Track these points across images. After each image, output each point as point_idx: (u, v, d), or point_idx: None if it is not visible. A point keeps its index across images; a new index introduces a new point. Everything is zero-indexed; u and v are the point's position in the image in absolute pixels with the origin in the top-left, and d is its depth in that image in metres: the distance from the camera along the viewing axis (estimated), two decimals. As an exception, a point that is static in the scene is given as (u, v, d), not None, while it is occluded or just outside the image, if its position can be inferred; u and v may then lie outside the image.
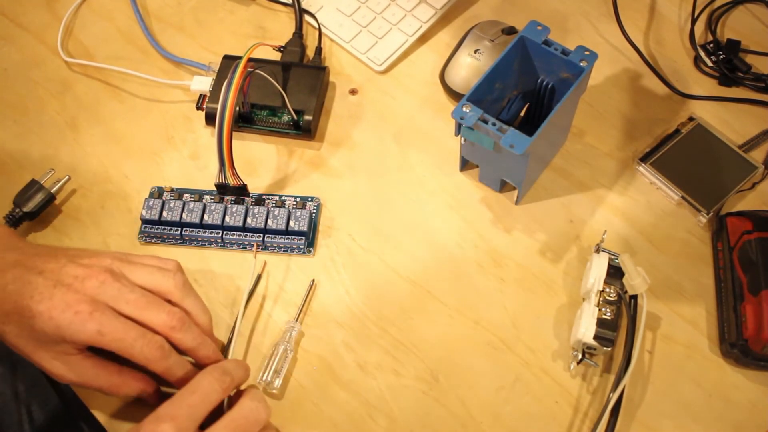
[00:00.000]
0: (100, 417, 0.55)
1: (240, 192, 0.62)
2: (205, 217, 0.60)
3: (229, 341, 0.56)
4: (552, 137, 0.62)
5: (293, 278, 0.60)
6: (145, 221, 0.61)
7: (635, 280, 0.54)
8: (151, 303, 0.50)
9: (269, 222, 0.60)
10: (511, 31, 0.66)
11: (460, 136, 0.57)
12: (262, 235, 0.60)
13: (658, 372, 0.55)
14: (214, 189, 0.63)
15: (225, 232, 0.60)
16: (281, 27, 0.72)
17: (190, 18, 0.73)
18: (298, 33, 0.70)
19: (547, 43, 0.57)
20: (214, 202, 0.62)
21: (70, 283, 0.48)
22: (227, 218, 0.60)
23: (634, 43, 0.68)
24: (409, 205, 0.63)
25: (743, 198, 0.62)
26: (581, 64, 0.56)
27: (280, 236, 0.60)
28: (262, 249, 0.61)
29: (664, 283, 0.59)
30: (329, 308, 0.59)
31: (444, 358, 0.57)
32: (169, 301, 0.51)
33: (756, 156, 0.63)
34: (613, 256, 0.56)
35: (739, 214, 0.59)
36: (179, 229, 0.61)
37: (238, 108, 0.63)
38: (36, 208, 0.61)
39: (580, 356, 0.55)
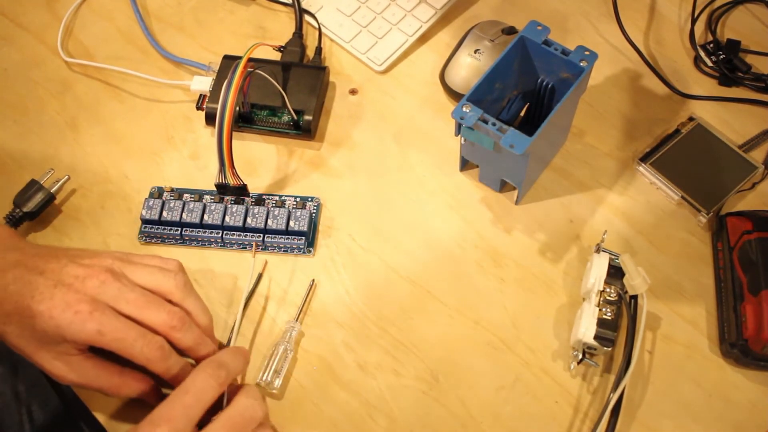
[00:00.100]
0: (101, 417, 0.55)
1: (240, 192, 0.62)
2: (205, 217, 0.60)
3: (229, 341, 0.56)
4: (552, 137, 0.62)
5: (293, 278, 0.60)
6: (145, 221, 0.61)
7: (635, 280, 0.54)
8: (152, 302, 0.50)
9: (269, 222, 0.60)
10: (511, 31, 0.66)
11: (460, 136, 0.57)
12: (262, 235, 0.60)
13: (658, 372, 0.55)
14: (214, 189, 0.63)
15: (225, 232, 0.60)
16: (281, 27, 0.72)
17: (190, 18, 0.73)
18: (298, 33, 0.70)
19: (547, 43, 0.57)
20: (214, 202, 0.62)
21: (70, 283, 0.48)
22: (227, 218, 0.60)
23: (634, 43, 0.68)
24: (409, 205, 0.63)
25: (743, 198, 0.62)
26: (581, 64, 0.56)
27: (280, 236, 0.60)
28: (262, 249, 0.61)
29: (664, 283, 0.59)
30: (329, 308, 0.59)
31: (444, 358, 0.57)
32: (170, 302, 0.51)
33: (756, 156, 0.63)
34: (613, 256, 0.56)
35: (739, 214, 0.59)
36: (179, 229, 0.61)
37: (238, 108, 0.63)
38: (36, 208, 0.61)
39: (580, 356, 0.55)
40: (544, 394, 0.55)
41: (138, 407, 0.55)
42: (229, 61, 0.66)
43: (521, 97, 0.62)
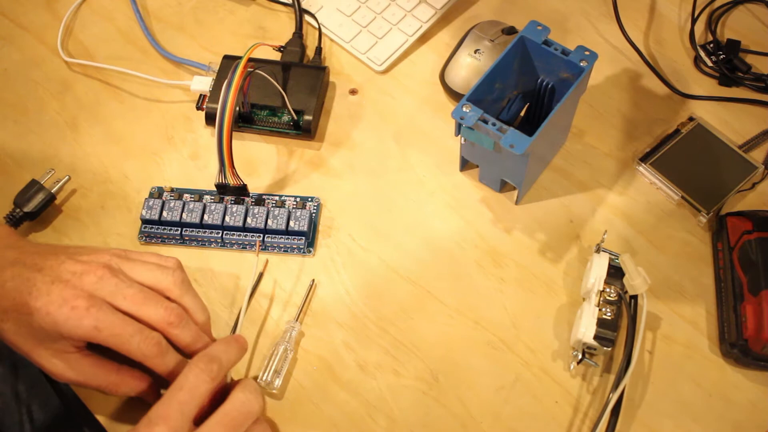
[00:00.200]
0: (101, 418, 0.55)
1: (240, 192, 0.62)
2: (205, 217, 0.60)
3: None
4: (552, 137, 0.62)
5: (293, 278, 0.60)
6: (145, 221, 0.61)
7: (636, 280, 0.54)
8: (149, 298, 0.50)
9: (269, 222, 0.60)
10: (511, 31, 0.66)
11: (460, 136, 0.57)
12: (262, 235, 0.60)
13: (658, 372, 0.55)
14: (214, 189, 0.63)
15: (225, 232, 0.60)
16: (281, 27, 0.72)
17: (190, 18, 0.73)
18: (298, 33, 0.70)
19: (547, 43, 0.57)
20: (214, 202, 0.62)
21: (68, 279, 0.48)
22: (227, 218, 0.60)
23: (634, 43, 0.68)
24: (409, 205, 0.63)
25: (743, 198, 0.62)
26: (581, 64, 0.56)
27: (280, 236, 0.60)
28: (262, 249, 0.61)
29: (665, 283, 0.59)
30: (329, 308, 0.59)
31: (444, 358, 0.57)
32: (168, 299, 0.51)
33: (756, 156, 0.63)
34: (613, 256, 0.56)
35: (739, 214, 0.59)
36: (179, 229, 0.61)
37: (238, 108, 0.63)
38: (36, 209, 0.61)
39: (580, 356, 0.55)
40: (544, 394, 0.55)
41: (138, 408, 0.55)
42: (229, 61, 0.66)
43: (521, 97, 0.62)
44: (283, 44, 0.69)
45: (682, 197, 0.61)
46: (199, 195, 0.63)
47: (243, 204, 0.61)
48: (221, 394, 0.48)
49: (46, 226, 0.62)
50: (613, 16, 0.68)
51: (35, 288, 0.48)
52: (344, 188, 0.64)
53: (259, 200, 0.62)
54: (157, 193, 0.63)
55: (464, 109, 0.54)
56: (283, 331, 0.57)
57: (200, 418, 0.46)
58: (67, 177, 0.62)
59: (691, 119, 0.64)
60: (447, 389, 0.55)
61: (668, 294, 0.58)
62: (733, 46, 0.68)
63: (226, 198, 0.63)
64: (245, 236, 0.60)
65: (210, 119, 0.65)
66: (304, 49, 0.69)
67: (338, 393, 0.55)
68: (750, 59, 0.68)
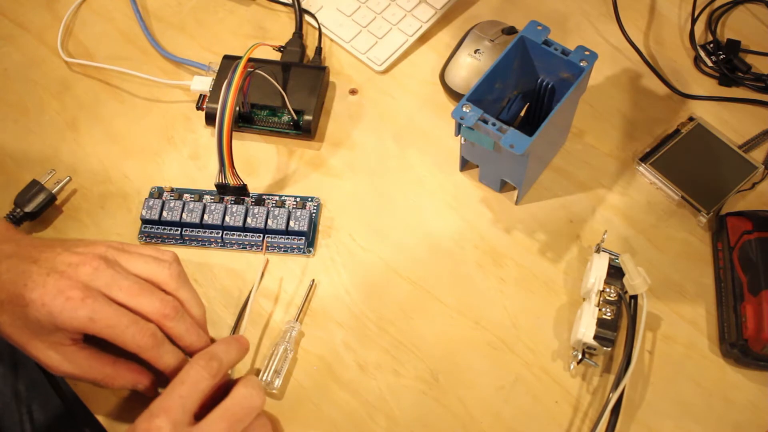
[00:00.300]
0: (101, 417, 0.55)
1: (240, 192, 0.62)
2: (205, 217, 0.60)
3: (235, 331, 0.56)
4: (552, 137, 0.62)
5: (293, 278, 0.60)
6: (145, 221, 0.61)
7: (636, 281, 0.54)
8: (145, 290, 0.50)
9: (269, 222, 0.60)
10: (511, 31, 0.66)
11: (460, 136, 0.57)
12: (262, 235, 0.60)
13: (658, 372, 0.55)
14: (214, 189, 0.63)
15: (225, 232, 0.60)
16: (281, 27, 0.72)
17: (190, 18, 0.73)
18: (298, 33, 0.70)
19: (547, 43, 0.57)
20: (214, 202, 0.62)
21: (63, 270, 0.48)
22: (227, 218, 0.60)
23: (634, 43, 0.68)
24: (409, 205, 0.63)
25: (743, 198, 0.62)
26: (581, 64, 0.56)
27: (280, 236, 0.60)
28: (262, 249, 0.61)
29: (665, 283, 0.59)
30: (329, 308, 0.59)
31: (444, 358, 0.57)
32: (164, 292, 0.51)
33: (756, 156, 0.63)
34: (613, 256, 0.56)
35: (739, 214, 0.59)
36: (179, 229, 0.61)
37: (238, 108, 0.63)
38: (37, 209, 0.61)
39: (580, 356, 0.55)
40: (544, 394, 0.55)
41: (138, 407, 0.54)
42: (229, 61, 0.66)
43: (521, 97, 0.62)
44: (283, 44, 0.69)
45: (682, 197, 0.61)
46: (199, 195, 0.63)
47: (243, 204, 0.61)
48: (223, 392, 0.48)
49: (47, 226, 0.62)
50: (613, 16, 0.68)
51: (31, 280, 0.48)
52: (344, 188, 0.64)
53: (259, 200, 0.62)
54: (157, 193, 0.63)
55: (464, 109, 0.54)
56: (283, 331, 0.57)
57: (202, 415, 0.47)
58: (68, 178, 0.62)
59: (691, 119, 0.64)
60: (447, 389, 0.55)
61: (668, 294, 0.58)
62: (733, 46, 0.68)
63: (226, 198, 0.63)
64: (245, 236, 0.60)
65: (210, 119, 0.65)
66: (304, 49, 0.69)
67: (338, 393, 0.55)
68: (750, 59, 0.68)
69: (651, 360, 0.56)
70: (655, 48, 0.69)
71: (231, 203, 0.61)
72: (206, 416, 0.46)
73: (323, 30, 0.71)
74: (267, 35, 0.71)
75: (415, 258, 0.60)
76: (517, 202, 0.62)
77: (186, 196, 0.63)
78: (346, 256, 0.61)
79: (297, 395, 0.55)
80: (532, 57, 0.58)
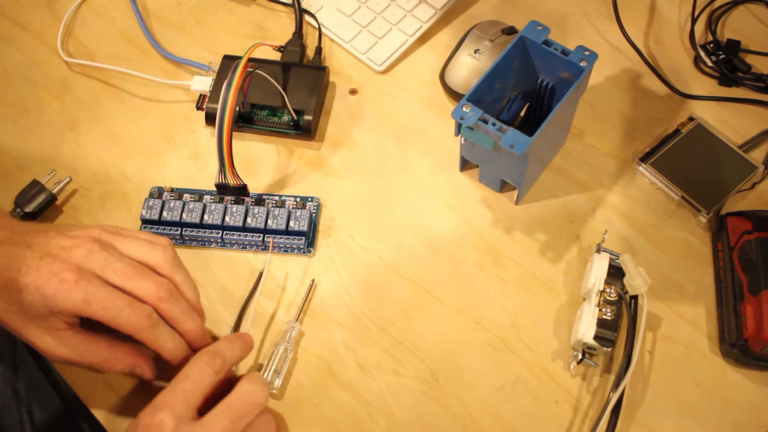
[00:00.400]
0: (101, 417, 0.55)
1: (240, 192, 0.62)
2: (205, 217, 0.60)
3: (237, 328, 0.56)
4: (552, 137, 0.62)
5: (293, 278, 0.60)
6: (145, 221, 0.61)
7: (636, 281, 0.54)
8: (139, 273, 0.49)
9: (269, 222, 0.60)
10: (511, 31, 0.66)
11: (460, 136, 0.57)
12: (262, 235, 0.60)
13: (658, 372, 0.55)
14: (214, 189, 0.63)
15: (225, 232, 0.60)
16: (281, 27, 0.72)
17: (190, 18, 0.73)
18: (298, 33, 0.70)
19: (547, 43, 0.57)
20: (214, 202, 0.62)
21: (56, 254, 0.48)
22: (227, 218, 0.60)
23: (634, 43, 0.68)
24: (409, 205, 0.63)
25: (743, 198, 0.62)
26: (581, 64, 0.56)
27: (280, 236, 0.60)
28: (262, 249, 0.61)
29: (665, 284, 0.59)
30: (329, 308, 0.59)
31: (444, 358, 0.57)
32: (159, 275, 0.51)
33: (756, 156, 0.63)
34: (613, 256, 0.56)
35: (739, 214, 0.59)
36: (179, 229, 0.61)
37: (238, 108, 0.63)
38: (37, 209, 0.61)
39: (580, 356, 0.55)
40: (544, 394, 0.55)
41: (138, 406, 0.55)
42: (229, 61, 0.67)
43: (521, 97, 0.62)
44: (283, 44, 0.69)
45: (682, 197, 0.61)
46: (199, 195, 0.63)
47: (243, 204, 0.61)
48: (227, 388, 0.49)
49: (46, 226, 0.62)
50: (613, 16, 0.68)
51: (24, 264, 0.48)
52: (344, 188, 0.64)
53: (259, 200, 0.62)
54: (157, 193, 0.63)
55: (464, 109, 0.54)
56: (283, 331, 0.57)
57: (206, 411, 0.47)
58: (68, 178, 0.62)
59: (691, 119, 0.64)
60: (447, 389, 0.55)
61: (668, 294, 0.58)
62: (733, 46, 0.68)
63: (226, 198, 0.63)
64: (245, 236, 0.60)
65: (210, 119, 0.65)
66: (304, 49, 0.69)
67: (338, 393, 0.55)
68: (750, 59, 0.68)
69: (651, 360, 0.56)
70: (655, 48, 0.69)
71: (231, 203, 0.61)
72: (209, 411, 0.46)
73: (323, 30, 0.71)
74: (267, 35, 0.71)
75: (415, 258, 0.60)
76: (517, 202, 0.62)
77: (186, 196, 0.63)
78: (346, 256, 0.61)
79: (297, 395, 0.55)
80: (532, 57, 0.58)
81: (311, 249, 0.61)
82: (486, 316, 0.58)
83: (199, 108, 0.67)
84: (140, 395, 0.55)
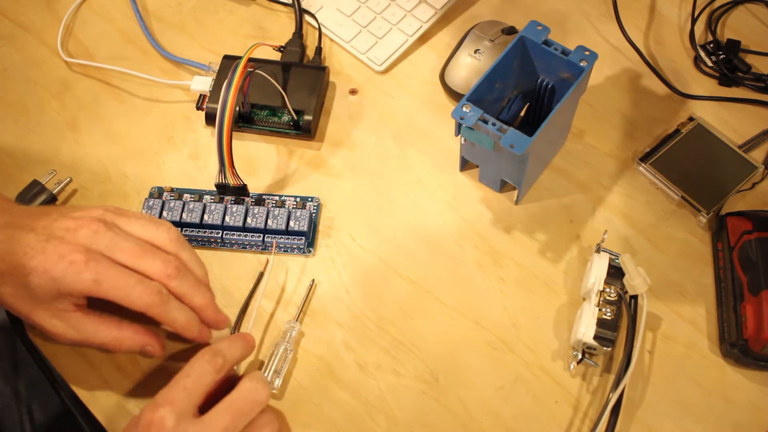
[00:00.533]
0: (101, 417, 0.55)
1: (240, 192, 0.62)
2: (205, 217, 0.60)
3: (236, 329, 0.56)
4: (552, 137, 0.62)
5: (293, 278, 0.60)
6: (145, 221, 0.61)
7: (636, 281, 0.54)
8: (146, 251, 0.50)
9: (269, 222, 0.60)
10: (511, 31, 0.66)
11: (460, 136, 0.57)
12: (262, 235, 0.60)
13: (658, 372, 0.55)
14: (214, 189, 0.63)
15: (225, 232, 0.60)
16: (281, 27, 0.72)
17: (190, 18, 0.73)
18: (298, 33, 0.70)
19: (547, 43, 0.57)
20: (214, 202, 0.62)
21: (62, 236, 0.48)
22: (227, 218, 0.60)
23: (634, 43, 0.68)
24: (409, 205, 0.63)
25: (743, 198, 0.62)
26: (581, 64, 0.56)
27: (280, 236, 0.60)
28: (262, 249, 0.61)
29: (665, 283, 0.59)
30: (329, 308, 0.59)
31: (444, 358, 0.57)
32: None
33: (756, 156, 0.63)
34: (613, 256, 0.56)
35: (739, 214, 0.59)
36: (179, 229, 0.60)
37: (238, 108, 0.63)
38: (36, 209, 0.61)
39: (580, 356, 0.55)
40: (544, 394, 0.55)
41: (138, 407, 0.55)
42: (229, 61, 0.67)
43: (521, 97, 0.62)
44: (283, 44, 0.69)
45: (682, 197, 0.61)
46: (199, 195, 0.63)
47: (243, 204, 0.61)
48: (229, 388, 0.49)
49: (46, 226, 0.62)
50: (613, 16, 0.68)
51: (29, 248, 0.47)
52: (344, 188, 0.64)
53: (259, 200, 0.62)
54: (157, 193, 0.63)
55: (464, 109, 0.54)
56: (283, 331, 0.57)
57: (207, 410, 0.47)
58: (68, 179, 0.62)
59: (691, 119, 0.64)
60: (447, 389, 0.55)
61: (668, 294, 0.58)
62: (733, 46, 0.68)
63: (226, 198, 0.63)
64: (245, 236, 0.60)
65: (210, 119, 0.65)
66: (304, 49, 0.69)
67: (338, 393, 0.55)
68: (750, 59, 0.68)
69: (651, 360, 0.56)
70: (655, 48, 0.69)
71: (231, 203, 0.61)
72: (211, 409, 0.46)
73: (323, 30, 0.71)
74: (267, 35, 0.71)
75: (415, 258, 0.60)
76: (517, 202, 0.62)
77: (186, 196, 0.63)
78: (346, 256, 0.61)
79: (297, 395, 0.55)
80: (532, 57, 0.58)
81: (311, 249, 0.61)
82: (486, 316, 0.58)
83: (199, 108, 0.67)
84: (141, 395, 0.55)
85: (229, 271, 0.60)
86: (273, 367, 0.55)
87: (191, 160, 0.65)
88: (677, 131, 0.64)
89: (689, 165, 0.62)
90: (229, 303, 0.59)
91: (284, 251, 0.61)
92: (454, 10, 0.72)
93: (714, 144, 0.63)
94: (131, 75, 0.69)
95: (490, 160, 0.60)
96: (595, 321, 0.54)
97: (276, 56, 0.68)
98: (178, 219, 0.60)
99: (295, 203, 0.62)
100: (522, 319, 0.58)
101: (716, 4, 0.71)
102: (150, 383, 0.56)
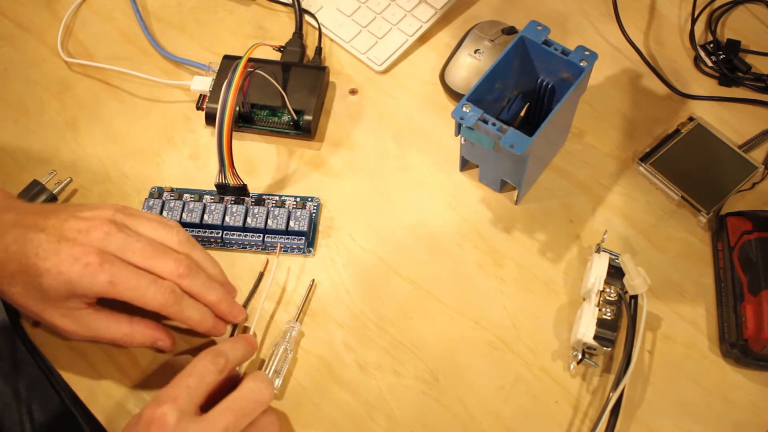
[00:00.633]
0: (101, 417, 0.55)
1: (240, 192, 0.62)
2: (205, 217, 0.60)
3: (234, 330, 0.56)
4: (552, 137, 0.62)
5: (293, 278, 0.60)
6: (145, 221, 0.61)
7: (636, 281, 0.54)
8: (158, 251, 0.50)
9: (269, 222, 0.60)
10: (511, 31, 0.66)
11: (460, 136, 0.57)
12: (262, 235, 0.60)
13: (658, 372, 0.55)
14: (214, 189, 0.63)
15: (225, 232, 0.60)
16: (281, 27, 0.72)
17: (190, 18, 0.73)
18: (298, 33, 0.70)
19: (547, 43, 0.57)
20: (214, 202, 0.62)
21: (74, 237, 0.49)
22: (227, 218, 0.60)
23: (634, 43, 0.68)
24: (409, 205, 0.63)
25: (743, 198, 0.62)
26: (581, 64, 0.56)
27: (280, 236, 0.60)
28: (262, 249, 0.61)
29: (665, 283, 0.59)
30: (329, 308, 0.59)
31: (444, 358, 0.57)
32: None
33: (756, 156, 0.63)
34: (613, 256, 0.56)
35: (739, 214, 0.59)
36: (179, 229, 0.61)
37: (238, 108, 0.63)
38: (36, 209, 0.61)
39: (580, 356, 0.55)
40: (544, 394, 0.55)
41: (138, 407, 0.55)
42: (229, 61, 0.67)
43: (521, 97, 0.62)
44: (283, 44, 0.69)
45: (682, 197, 0.61)
46: (199, 195, 0.63)
47: (243, 204, 0.61)
48: (231, 388, 0.49)
49: (46, 226, 0.62)
50: (613, 16, 0.68)
51: (41, 249, 0.48)
52: (344, 188, 0.64)
53: (259, 200, 0.62)
54: (157, 193, 0.63)
55: (464, 109, 0.54)
56: (283, 331, 0.57)
57: (209, 410, 0.47)
58: (69, 179, 0.62)
59: (691, 119, 0.64)
60: (447, 389, 0.55)
61: (668, 294, 0.58)
62: (733, 46, 0.68)
63: (226, 198, 0.63)
64: (245, 236, 0.60)
65: (210, 119, 0.65)
66: (304, 49, 0.69)
67: (338, 393, 0.55)
68: (750, 59, 0.68)
69: (651, 360, 0.56)
70: (655, 48, 0.69)
71: (231, 203, 0.61)
72: (213, 408, 0.46)
73: (323, 30, 0.71)
74: (267, 35, 0.71)
75: (415, 258, 0.60)
76: (517, 202, 0.62)
77: (186, 196, 0.63)
78: (346, 256, 0.61)
79: (297, 395, 0.55)
80: (532, 57, 0.58)
81: (311, 249, 0.61)
82: (486, 316, 0.58)
83: (199, 108, 0.67)
84: (140, 395, 0.55)
85: (229, 271, 0.60)
86: (273, 367, 0.55)
87: (191, 160, 0.65)
88: (677, 131, 0.64)
89: (689, 165, 0.62)
90: (229, 303, 0.59)
91: (284, 251, 0.61)
92: (454, 10, 0.72)
93: (714, 144, 0.63)
94: (131, 75, 0.69)
95: (490, 160, 0.60)
96: (595, 321, 0.54)
97: (276, 56, 0.68)
98: (178, 219, 0.60)
99: (295, 203, 0.62)
100: (522, 319, 0.58)
101: (716, 4, 0.71)
102: (150, 383, 0.56)
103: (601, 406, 0.54)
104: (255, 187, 0.63)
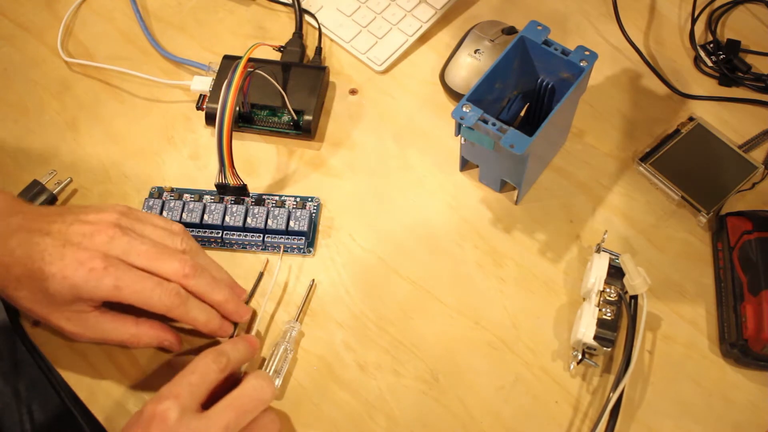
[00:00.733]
0: (101, 417, 0.55)
1: (240, 192, 0.62)
2: (205, 217, 0.60)
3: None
4: (552, 137, 0.62)
5: (293, 278, 0.60)
6: (145, 221, 0.61)
7: (636, 281, 0.54)
8: (162, 253, 0.51)
9: (269, 222, 0.60)
10: (511, 31, 0.66)
11: (460, 136, 0.57)
12: (262, 235, 0.60)
13: (658, 372, 0.55)
14: (214, 189, 0.63)
15: (225, 232, 0.60)
16: (281, 27, 0.72)
17: (190, 18, 0.73)
18: (298, 33, 0.70)
19: (547, 43, 0.57)
20: (214, 202, 0.62)
21: (79, 242, 0.49)
22: (227, 218, 0.60)
23: (634, 43, 0.68)
24: (409, 205, 0.63)
25: (743, 198, 0.62)
26: (581, 64, 0.56)
27: (280, 236, 0.60)
28: (262, 249, 0.61)
29: (665, 284, 0.59)
30: (329, 308, 0.59)
31: (444, 358, 0.57)
32: None
33: (756, 156, 0.63)
34: (613, 256, 0.56)
35: (739, 214, 0.59)
36: (179, 229, 0.61)
37: (238, 108, 0.63)
38: (36, 209, 0.61)
39: (580, 356, 0.55)
40: (544, 394, 0.55)
41: (138, 407, 0.55)
42: (229, 61, 0.67)
43: (521, 97, 0.62)
44: (283, 44, 0.69)
45: (682, 197, 0.61)
46: (199, 195, 0.63)
47: (243, 204, 0.61)
48: (232, 387, 0.49)
49: (46, 226, 0.62)
50: (613, 16, 0.68)
51: (47, 253, 0.48)
52: (344, 188, 0.64)
53: (259, 200, 0.62)
54: (157, 193, 0.63)
55: (464, 109, 0.54)
56: (283, 331, 0.57)
57: (210, 407, 0.47)
58: (69, 179, 0.62)
59: (691, 119, 0.64)
60: (447, 389, 0.55)
61: (668, 294, 0.58)
62: (733, 46, 0.68)
63: (226, 198, 0.63)
64: (245, 236, 0.60)
65: (210, 119, 0.65)
66: (304, 49, 0.69)
67: (338, 393, 0.55)
68: (750, 59, 0.68)
69: (651, 360, 0.56)
70: (655, 48, 0.69)
71: (231, 203, 0.61)
72: (215, 405, 0.47)
73: (323, 30, 0.71)
74: (267, 35, 0.71)
75: (415, 258, 0.60)
76: (517, 202, 0.62)
77: (186, 196, 0.63)
78: (346, 256, 0.61)
79: (297, 395, 0.55)
80: (532, 57, 0.58)
81: (311, 249, 0.61)
82: (486, 316, 0.58)
83: (199, 108, 0.67)
84: (140, 395, 0.55)
85: (229, 272, 0.60)
86: (273, 367, 0.55)
87: (191, 160, 0.65)
88: (677, 131, 0.64)
89: (689, 165, 0.62)
90: (229, 303, 0.59)
91: (284, 251, 0.61)
92: (454, 10, 0.72)
93: (714, 144, 0.63)
94: (131, 75, 0.69)
95: (490, 160, 0.60)
96: (595, 321, 0.54)
97: (276, 56, 0.68)
98: (178, 219, 0.60)
99: (295, 203, 0.62)
100: (522, 319, 0.58)
101: (716, 4, 0.71)
102: (150, 383, 0.56)
103: (601, 406, 0.54)
104: (255, 187, 0.63)
